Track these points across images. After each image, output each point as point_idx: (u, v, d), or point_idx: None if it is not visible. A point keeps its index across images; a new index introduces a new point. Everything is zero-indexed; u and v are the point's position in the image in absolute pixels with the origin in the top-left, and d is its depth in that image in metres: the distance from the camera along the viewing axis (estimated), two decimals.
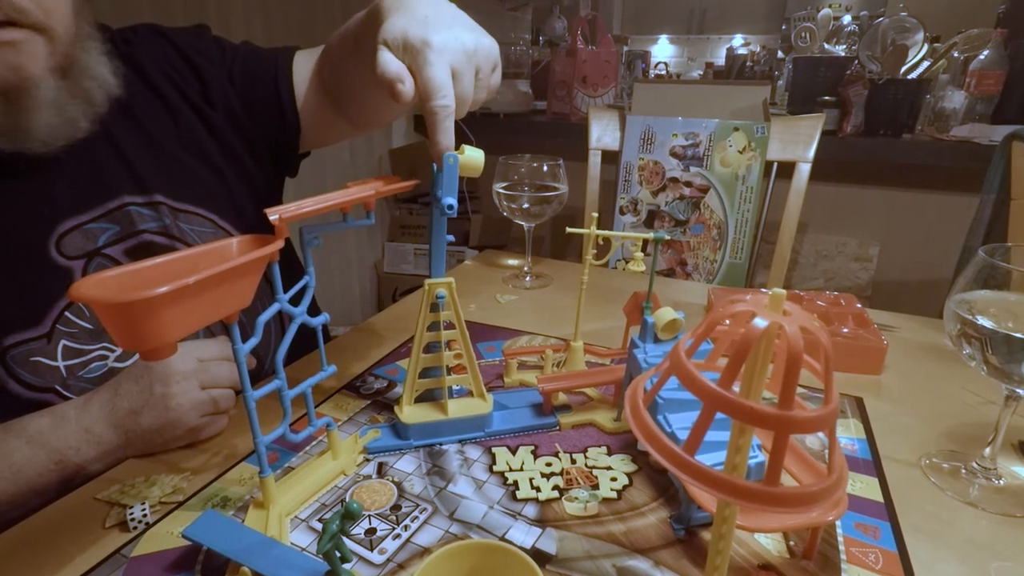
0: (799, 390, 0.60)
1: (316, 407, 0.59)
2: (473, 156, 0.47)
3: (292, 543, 0.43)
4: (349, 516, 0.35)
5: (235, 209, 0.68)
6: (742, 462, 0.23)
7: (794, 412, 0.20)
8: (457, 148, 0.46)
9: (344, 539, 0.37)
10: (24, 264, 0.54)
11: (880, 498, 0.48)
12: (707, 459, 0.22)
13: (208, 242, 0.62)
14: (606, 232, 0.60)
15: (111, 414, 0.50)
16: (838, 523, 0.45)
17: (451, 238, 0.51)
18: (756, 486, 0.20)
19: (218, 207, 0.66)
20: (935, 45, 1.74)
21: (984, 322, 0.45)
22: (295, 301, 0.44)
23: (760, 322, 0.20)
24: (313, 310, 0.47)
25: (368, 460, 0.52)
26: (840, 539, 0.44)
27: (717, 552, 0.26)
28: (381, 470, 0.51)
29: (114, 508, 0.45)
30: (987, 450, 0.51)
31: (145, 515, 0.44)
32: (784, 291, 0.21)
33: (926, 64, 1.68)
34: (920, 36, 1.70)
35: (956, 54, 1.70)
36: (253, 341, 0.40)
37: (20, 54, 0.49)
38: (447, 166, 0.45)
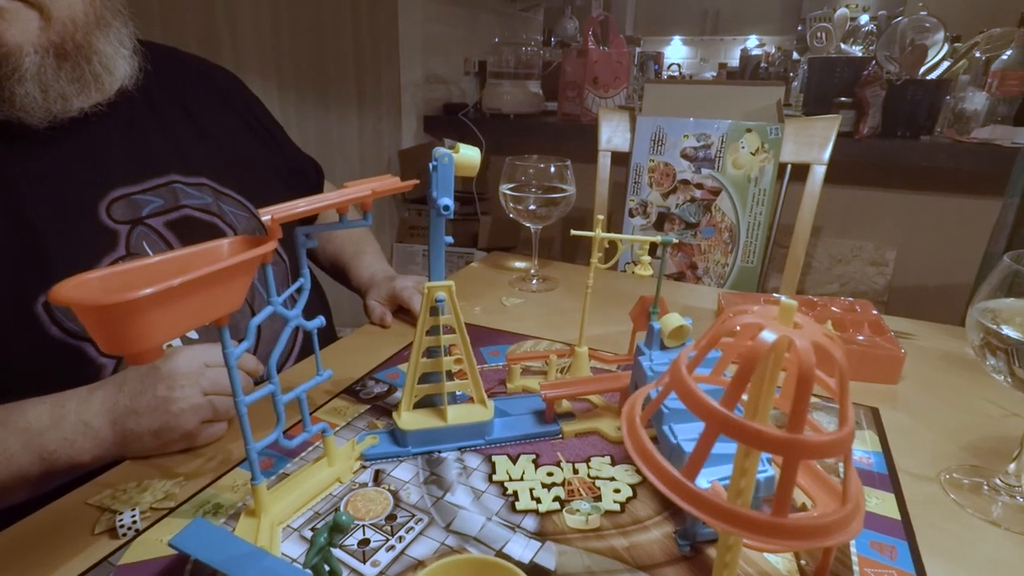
0: (811, 399, 0.58)
1: (315, 412, 0.58)
2: (468, 155, 0.46)
3: (283, 554, 0.41)
4: (338, 529, 0.34)
5: (270, 202, 0.79)
6: (748, 486, 0.21)
7: (805, 436, 0.18)
8: (452, 147, 0.45)
9: (333, 551, 0.36)
10: (76, 222, 0.59)
11: (897, 515, 0.46)
12: (712, 473, 0.20)
13: (244, 226, 0.70)
14: (612, 235, 0.58)
15: (111, 410, 0.49)
16: (852, 542, 0.43)
17: (450, 240, 0.50)
18: (763, 517, 0.18)
19: (254, 198, 0.74)
20: (956, 45, 1.70)
21: (1010, 332, 0.43)
22: (291, 304, 0.43)
23: (768, 336, 0.18)
24: (318, 312, 0.46)
25: (365, 467, 0.51)
26: (854, 559, 0.42)
27: None
28: (378, 478, 0.49)
29: (104, 514, 0.44)
30: (1012, 466, 0.49)
31: (135, 522, 0.43)
32: (795, 303, 0.19)
33: (946, 64, 1.65)
34: (940, 36, 1.66)
35: (978, 54, 1.66)
36: (245, 344, 0.39)
37: (2, 22, 0.52)
38: (442, 166, 0.44)
